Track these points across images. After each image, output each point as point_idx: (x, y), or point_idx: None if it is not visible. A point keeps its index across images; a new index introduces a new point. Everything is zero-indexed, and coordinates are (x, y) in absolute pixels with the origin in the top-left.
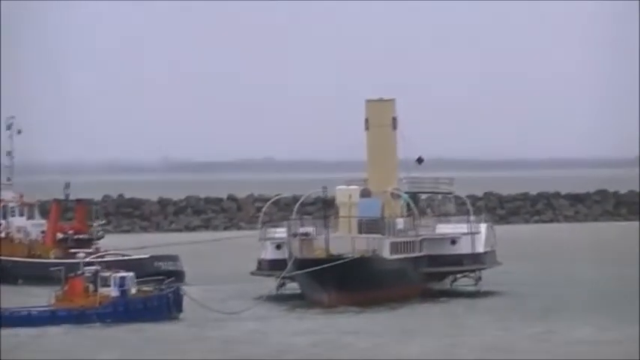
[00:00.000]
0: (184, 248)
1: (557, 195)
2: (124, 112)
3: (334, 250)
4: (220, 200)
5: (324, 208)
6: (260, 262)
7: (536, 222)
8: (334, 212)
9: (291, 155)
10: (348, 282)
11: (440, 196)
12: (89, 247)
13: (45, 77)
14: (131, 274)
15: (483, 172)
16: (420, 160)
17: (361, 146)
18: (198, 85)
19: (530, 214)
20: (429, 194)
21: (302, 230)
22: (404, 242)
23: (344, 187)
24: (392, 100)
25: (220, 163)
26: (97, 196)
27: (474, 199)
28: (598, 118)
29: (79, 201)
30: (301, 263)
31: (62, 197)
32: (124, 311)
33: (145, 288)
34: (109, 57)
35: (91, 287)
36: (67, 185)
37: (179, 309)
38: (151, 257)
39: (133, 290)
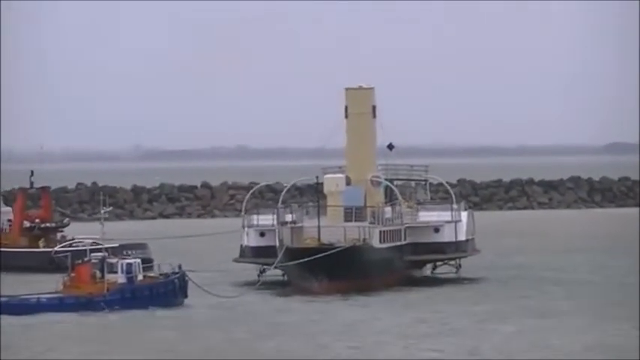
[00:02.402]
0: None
1: (530, 182)
2: (93, 100)
3: (323, 238)
4: (194, 188)
5: (316, 195)
6: (243, 249)
7: (510, 209)
8: (312, 200)
9: (265, 143)
10: (338, 271)
11: (413, 184)
12: (55, 236)
13: (12, 64)
14: (138, 260)
15: (457, 159)
16: (390, 147)
17: (338, 134)
18: (170, 73)
19: (504, 200)
20: (403, 181)
21: (288, 218)
22: (391, 231)
23: (331, 175)
24: (371, 89)
25: (193, 150)
26: (70, 184)
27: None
28: (570, 105)
29: (43, 189)
30: (293, 252)
31: (27, 186)
32: (132, 298)
33: (151, 274)
34: (77, 43)
35: (98, 274)
36: (32, 173)
37: (184, 294)
38: (120, 246)
39: (140, 277)
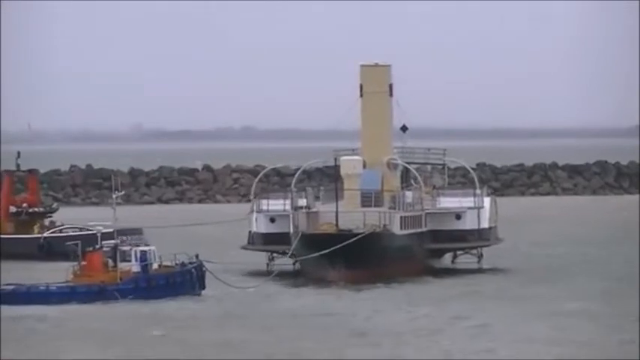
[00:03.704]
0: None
1: (554, 166)
2: (91, 77)
3: (340, 224)
4: (195, 171)
5: (334, 179)
6: (252, 236)
7: (533, 195)
8: (322, 184)
9: (273, 124)
10: (357, 258)
11: (429, 168)
12: (43, 221)
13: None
14: (153, 247)
15: (475, 141)
16: (404, 129)
17: (351, 115)
18: (173, 47)
19: (526, 186)
20: (418, 166)
21: (302, 203)
22: (412, 217)
23: (349, 157)
24: (388, 66)
25: (196, 131)
26: (64, 167)
27: (465, 170)
28: (596, 84)
29: (31, 171)
30: (309, 239)
31: (14, 168)
32: (146, 288)
33: (167, 263)
34: (77, 17)
35: (110, 262)
36: (18, 155)
37: (202, 285)
38: (114, 231)
39: (155, 265)
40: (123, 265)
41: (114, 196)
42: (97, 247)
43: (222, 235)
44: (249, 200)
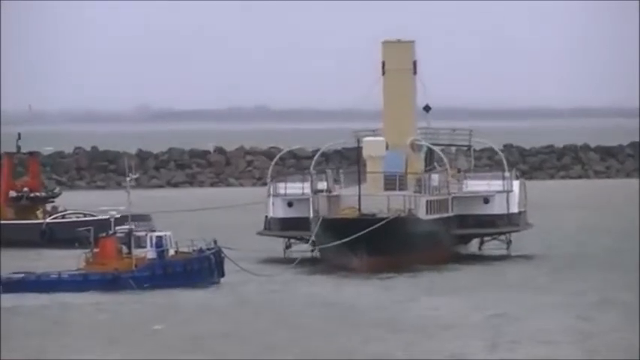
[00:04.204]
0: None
1: (586, 148)
2: (95, 55)
3: (363, 208)
4: (207, 153)
5: (357, 160)
6: (269, 221)
7: (563, 178)
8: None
9: (288, 103)
10: (381, 245)
11: (454, 149)
12: (45, 206)
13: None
14: (169, 233)
15: (502, 121)
16: (427, 109)
17: (371, 94)
18: (182, 22)
19: (556, 168)
20: (442, 147)
21: (321, 186)
22: (438, 201)
23: (372, 138)
24: (411, 42)
25: (206, 111)
26: (68, 149)
27: (492, 152)
28: (628, 63)
29: (32, 154)
30: (331, 224)
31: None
32: (163, 275)
33: (184, 249)
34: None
35: (124, 249)
36: (19, 136)
37: (221, 273)
38: (122, 217)
39: (171, 252)
40: (138, 252)
41: (127, 179)
42: (111, 232)
43: (237, 220)
44: (263, 184)
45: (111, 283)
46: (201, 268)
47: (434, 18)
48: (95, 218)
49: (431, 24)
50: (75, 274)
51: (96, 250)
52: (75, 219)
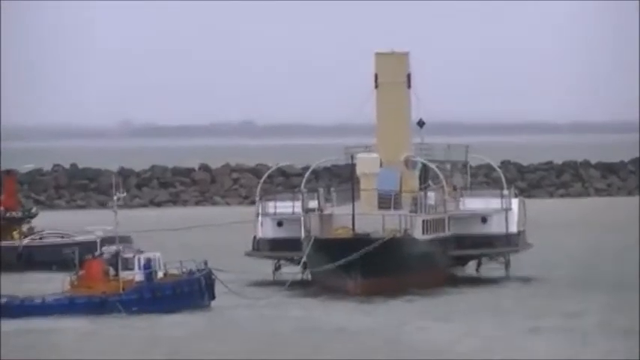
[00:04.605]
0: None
1: (586, 164)
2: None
3: (357, 228)
4: (191, 171)
5: (350, 177)
6: (258, 242)
7: (562, 196)
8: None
9: (275, 119)
10: (376, 266)
11: (449, 166)
12: (21, 227)
13: None
14: (158, 254)
15: (498, 136)
16: (421, 124)
17: (364, 108)
18: (165, 37)
19: (555, 186)
20: (437, 164)
21: (312, 205)
22: (434, 220)
23: (366, 154)
24: (406, 54)
25: (190, 127)
26: (47, 166)
27: (488, 169)
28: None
29: (8, 172)
30: (324, 244)
31: None
32: (151, 299)
33: (173, 271)
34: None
35: (111, 271)
36: None
37: (211, 295)
38: (102, 239)
39: (160, 274)
40: (125, 274)
41: (115, 197)
42: (97, 254)
43: (223, 240)
44: (251, 202)
45: (98, 306)
46: (192, 291)
47: (429, 28)
48: (76, 240)
49: (426, 34)
50: (60, 298)
51: (81, 272)
52: (53, 240)
